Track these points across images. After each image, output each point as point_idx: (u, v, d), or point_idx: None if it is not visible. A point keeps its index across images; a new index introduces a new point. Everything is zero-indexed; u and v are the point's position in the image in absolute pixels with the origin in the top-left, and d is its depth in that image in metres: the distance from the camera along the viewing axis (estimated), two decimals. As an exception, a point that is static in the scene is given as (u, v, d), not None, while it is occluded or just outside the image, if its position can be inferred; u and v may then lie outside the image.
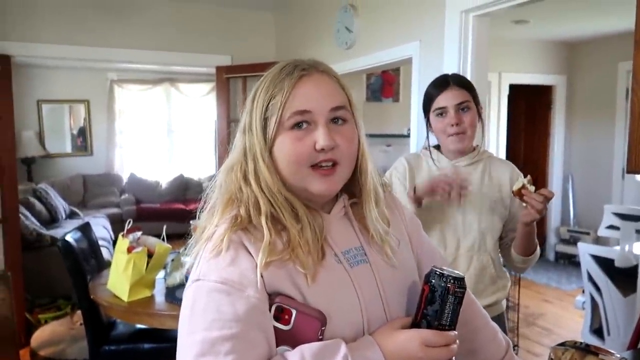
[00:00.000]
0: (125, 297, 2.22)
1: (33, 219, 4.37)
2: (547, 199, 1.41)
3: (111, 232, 5.32)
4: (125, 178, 7.02)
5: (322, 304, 0.75)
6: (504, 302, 1.75)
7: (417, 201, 1.54)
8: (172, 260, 2.32)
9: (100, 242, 4.21)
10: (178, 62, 4.45)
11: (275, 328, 0.74)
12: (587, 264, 2.70)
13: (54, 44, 3.77)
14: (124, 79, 7.01)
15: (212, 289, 0.73)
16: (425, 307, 0.76)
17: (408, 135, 4.10)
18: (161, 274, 2.40)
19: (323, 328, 0.74)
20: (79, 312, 3.00)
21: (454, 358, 0.76)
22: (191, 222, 0.91)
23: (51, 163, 6.69)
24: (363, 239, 0.86)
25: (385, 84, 4.90)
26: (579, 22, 4.53)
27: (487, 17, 2.32)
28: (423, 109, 1.66)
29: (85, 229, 2.85)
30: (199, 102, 7.30)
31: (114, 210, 6.35)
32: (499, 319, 1.68)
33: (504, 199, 1.61)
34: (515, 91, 5.41)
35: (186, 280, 0.80)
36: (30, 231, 3.98)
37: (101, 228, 5.12)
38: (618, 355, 1.10)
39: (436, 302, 0.75)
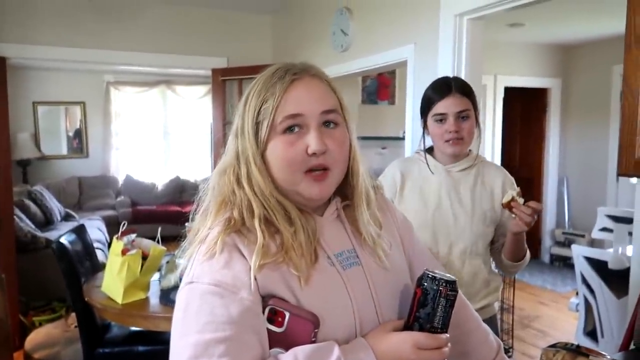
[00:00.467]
0: (119, 300, 2.21)
1: (28, 221, 4.36)
2: (536, 211, 1.42)
3: (107, 234, 5.31)
4: (121, 180, 7.01)
5: (315, 306, 0.76)
6: (496, 305, 1.76)
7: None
8: (167, 262, 2.32)
9: (96, 245, 4.20)
10: (174, 64, 4.45)
11: (268, 330, 0.74)
12: (581, 266, 2.71)
13: (50, 45, 3.77)
14: (120, 81, 7.01)
15: (205, 292, 0.73)
16: (417, 310, 0.77)
17: (403, 138, 4.11)
18: (156, 276, 2.40)
19: (316, 330, 0.74)
20: (73, 314, 2.99)
21: None
22: (186, 224, 0.91)
23: (46, 165, 6.67)
24: (355, 242, 0.87)
25: (381, 86, 4.91)
26: (573, 25, 4.56)
27: (481, 21, 2.33)
28: (421, 111, 1.64)
29: (80, 231, 2.85)
30: (195, 104, 7.30)
31: (110, 212, 6.34)
32: (491, 321, 1.68)
33: (495, 204, 1.62)
34: (511, 94, 5.43)
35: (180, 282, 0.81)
36: (25, 233, 3.97)
37: (96, 230, 5.11)
38: (609, 357, 1.11)
39: (428, 305, 0.76)
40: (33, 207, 4.89)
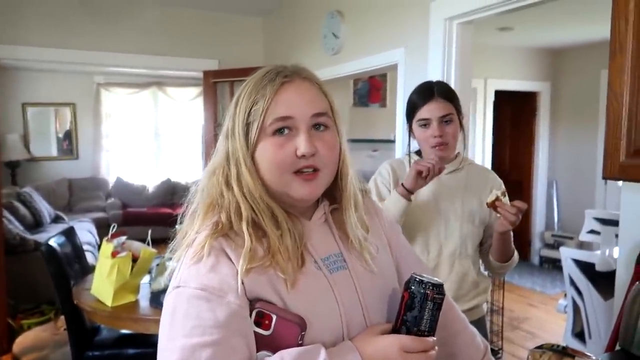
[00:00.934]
0: (109, 302, 2.20)
1: (17, 223, 4.32)
2: (520, 210, 1.44)
3: (97, 237, 5.27)
4: (111, 182, 6.97)
5: (302, 309, 0.76)
6: (485, 306, 1.77)
7: (408, 194, 1.53)
8: (157, 265, 2.31)
9: (86, 247, 4.17)
10: (165, 66, 4.44)
11: (255, 333, 0.75)
12: (569, 268, 2.73)
13: (40, 46, 3.75)
14: (111, 82, 6.97)
15: (192, 296, 0.73)
16: (404, 313, 0.78)
17: (394, 141, 4.13)
18: (146, 278, 2.39)
19: (303, 333, 0.74)
20: (62, 317, 2.97)
21: None
22: (176, 227, 0.91)
23: (36, 167, 6.62)
24: (342, 246, 0.87)
25: (372, 89, 4.93)
26: (562, 30, 4.61)
27: (470, 25, 2.35)
28: (406, 116, 1.66)
29: (70, 233, 2.83)
30: (187, 106, 7.28)
31: (100, 214, 6.29)
32: (479, 322, 1.70)
33: (483, 205, 1.64)
34: (501, 97, 5.48)
35: None
36: (14, 235, 3.93)
37: (86, 232, 5.07)
38: (594, 358, 1.13)
39: (415, 308, 0.77)
40: (22, 209, 4.84)
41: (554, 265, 5.52)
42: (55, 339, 3.08)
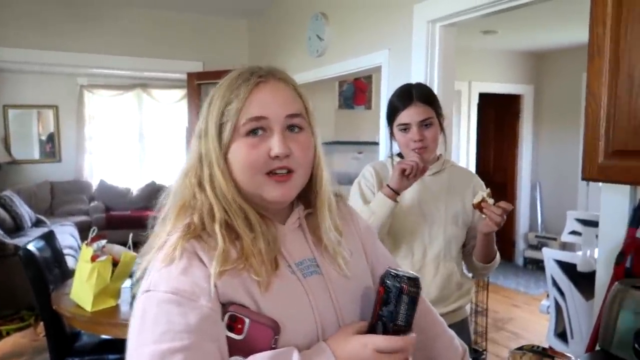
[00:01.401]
0: (88, 307, 2.16)
1: (-4, 227, 4.24)
2: (505, 211, 1.45)
3: (79, 241, 5.19)
4: (94, 185, 6.88)
5: (275, 313, 0.75)
6: (468, 307, 1.78)
7: (394, 195, 1.53)
8: (139, 268, 2.28)
9: (68, 251, 4.11)
10: (149, 68, 4.40)
11: (228, 338, 0.73)
12: (552, 269, 2.76)
13: (22, 48, 3.69)
14: (94, 84, 6.89)
15: (162, 300, 0.71)
16: (380, 309, 0.77)
17: (379, 143, 4.13)
18: (127, 282, 2.35)
19: (276, 337, 0.73)
20: (42, 323, 2.92)
21: None
22: (149, 230, 0.89)
23: (17, 170, 6.51)
24: (316, 251, 0.87)
25: (357, 91, 4.93)
26: (545, 33, 4.66)
27: (453, 27, 2.37)
28: (387, 119, 1.66)
29: (49, 237, 2.78)
30: (171, 108, 7.23)
31: (83, 217, 6.20)
32: (463, 324, 1.71)
33: (466, 207, 1.64)
34: (485, 100, 5.52)
35: None
36: (-7, 240, 3.86)
37: (69, 236, 5.00)
38: (572, 358, 1.13)
39: (391, 303, 0.76)
40: (2, 213, 4.75)
41: (538, 266, 5.57)
42: (34, 345, 3.02)
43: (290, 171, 0.81)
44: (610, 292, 1.41)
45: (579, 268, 2.57)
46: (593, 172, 1.25)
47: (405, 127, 1.58)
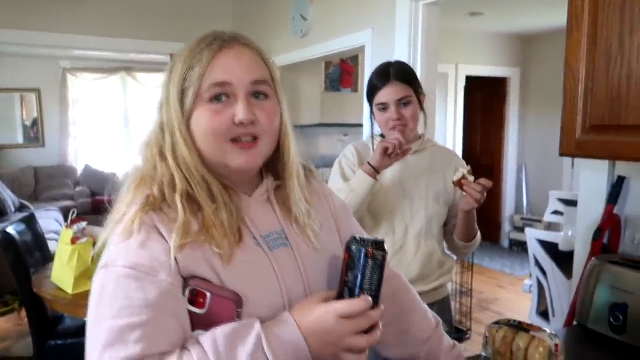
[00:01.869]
0: (69, 290, 2.14)
1: (-22, 212, 4.18)
2: (486, 188, 1.45)
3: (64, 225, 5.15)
4: (79, 170, 6.81)
5: (239, 286, 0.73)
6: (450, 286, 1.79)
7: (374, 173, 1.52)
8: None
9: (52, 236, 4.07)
10: (131, 49, 4.32)
11: (190, 313, 0.72)
12: (534, 249, 2.78)
13: (1, 28, 3.60)
14: (77, 67, 6.77)
15: (120, 275, 0.70)
16: (346, 275, 0.75)
17: (365, 125, 4.10)
18: (109, 265, 2.33)
19: (239, 310, 0.72)
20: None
21: (381, 330, 0.74)
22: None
23: (0, 155, 6.41)
24: (284, 224, 0.85)
25: (344, 74, 4.90)
26: (532, 16, 4.65)
27: (436, 7, 2.34)
28: (367, 98, 1.65)
29: (30, 221, 2.75)
30: (157, 92, 7.09)
31: (68, 202, 6.13)
32: (444, 302, 1.72)
33: (447, 186, 1.64)
34: (472, 83, 5.52)
35: None
36: (-26, 225, 3.80)
37: (53, 221, 4.95)
38: (548, 331, 1.14)
39: (355, 268, 0.73)
40: (-16, 198, 4.69)
41: (523, 247, 5.62)
42: (18, 330, 3.00)
43: (255, 138, 0.79)
44: (587, 268, 1.42)
45: (561, 247, 2.60)
46: (571, 148, 1.25)
47: (384, 107, 1.58)
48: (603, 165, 1.61)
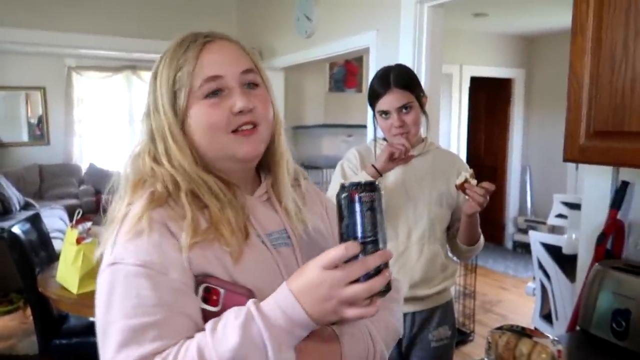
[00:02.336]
0: (74, 290, 2.16)
1: (-17, 211, 4.21)
2: (488, 192, 1.45)
3: (69, 224, 5.17)
4: (84, 168, 6.83)
5: (248, 282, 0.74)
6: (453, 289, 1.79)
7: (377, 175, 1.53)
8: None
9: (57, 234, 4.09)
10: (138, 48, 4.33)
11: (204, 310, 0.72)
12: (538, 252, 2.78)
13: (7, 27, 3.61)
14: (82, 66, 6.79)
15: (131, 273, 0.69)
16: (340, 227, 0.69)
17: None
18: (113, 265, 2.34)
19: None
20: (30, 305, 2.91)
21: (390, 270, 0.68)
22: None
23: (5, 153, 6.44)
24: (287, 222, 0.86)
25: (348, 74, 4.90)
26: (536, 17, 4.63)
27: (441, 8, 2.34)
28: (369, 104, 1.65)
29: (35, 220, 2.76)
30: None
31: (73, 201, 6.15)
32: (447, 306, 1.72)
33: (451, 189, 1.65)
34: (476, 84, 5.50)
35: None
36: (-20, 223, 3.83)
37: (58, 220, 4.97)
38: (551, 337, 1.14)
39: (345, 216, 0.68)
40: (-11, 196, 4.72)
41: (527, 249, 5.59)
42: (23, 328, 3.02)
43: (255, 126, 0.80)
44: (590, 273, 1.42)
45: (564, 250, 2.60)
46: (574, 153, 1.25)
47: (386, 114, 1.58)
48: (607, 170, 1.61)
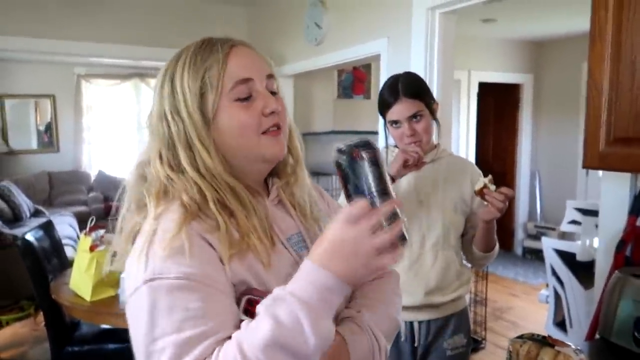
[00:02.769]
0: (88, 297, 2.16)
1: (-6, 218, 4.23)
2: (507, 197, 1.45)
3: (78, 231, 5.19)
4: (93, 175, 6.87)
5: None
6: (467, 297, 1.77)
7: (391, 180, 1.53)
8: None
9: (67, 241, 4.11)
10: (147, 56, 4.35)
11: (242, 322, 0.70)
12: (551, 258, 2.76)
13: (17, 36, 3.65)
14: (91, 74, 6.84)
15: (174, 287, 0.66)
16: (347, 190, 0.69)
17: (378, 133, 4.08)
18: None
19: None
20: (42, 313, 2.91)
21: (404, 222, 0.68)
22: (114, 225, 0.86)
23: (15, 160, 6.49)
24: (301, 225, 0.87)
25: (356, 81, 4.91)
26: (544, 22, 4.63)
27: (453, 15, 2.34)
28: (379, 112, 1.65)
29: (48, 227, 2.78)
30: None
31: (82, 208, 6.19)
32: (462, 313, 1.70)
33: (464, 195, 1.64)
34: (485, 89, 5.49)
35: None
36: (-8, 230, 3.85)
37: (67, 227, 5.00)
38: (573, 347, 1.13)
39: (350, 177, 0.69)
40: (0, 203, 4.74)
41: (537, 255, 5.58)
42: (34, 335, 3.03)
43: (279, 127, 0.82)
44: (610, 281, 1.41)
45: (579, 257, 2.58)
46: (594, 160, 1.24)
47: (397, 123, 1.58)
48: (625, 176, 1.60)
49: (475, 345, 3.38)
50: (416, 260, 1.60)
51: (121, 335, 2.41)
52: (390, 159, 1.67)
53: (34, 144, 6.73)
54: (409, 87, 1.57)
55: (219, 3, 4.26)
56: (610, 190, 1.67)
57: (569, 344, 1.16)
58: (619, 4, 1.16)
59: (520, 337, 1.20)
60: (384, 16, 2.67)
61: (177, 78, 0.79)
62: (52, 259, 2.62)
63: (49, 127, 6.79)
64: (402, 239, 0.67)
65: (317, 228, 0.88)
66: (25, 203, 5.28)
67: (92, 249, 2.16)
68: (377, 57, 2.75)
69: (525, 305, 4.30)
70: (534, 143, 5.80)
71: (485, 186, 1.44)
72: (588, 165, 1.26)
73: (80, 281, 2.21)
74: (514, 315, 4.05)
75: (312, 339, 0.61)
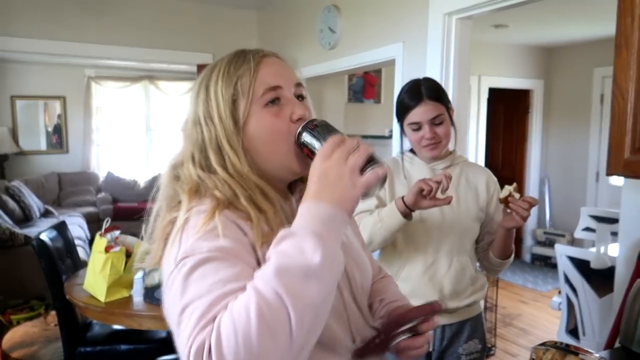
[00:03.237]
0: (102, 298, 2.17)
1: (6, 217, 4.26)
2: (532, 205, 1.43)
3: (87, 232, 5.22)
4: (102, 176, 6.89)
5: None
6: (482, 303, 1.77)
7: (406, 211, 1.46)
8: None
9: (76, 242, 4.11)
10: (157, 59, 4.38)
11: None
12: (564, 266, 2.74)
13: (29, 38, 3.68)
14: (101, 76, 6.89)
15: (206, 259, 0.67)
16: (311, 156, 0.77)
17: (389, 137, 4.10)
18: (140, 273, 2.35)
19: None
20: (53, 312, 2.93)
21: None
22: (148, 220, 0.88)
23: (25, 161, 6.53)
24: None
25: (366, 85, 4.91)
26: (556, 28, 4.62)
27: (469, 20, 2.34)
28: (397, 117, 1.63)
29: (61, 228, 2.79)
30: (179, 100, 7.22)
31: (90, 209, 6.22)
32: (477, 319, 1.70)
33: (480, 202, 1.63)
34: (495, 95, 5.48)
35: None
36: (3, 230, 3.87)
37: (77, 227, 5.01)
38: (597, 355, 1.13)
39: (316, 140, 0.77)
40: (11, 203, 4.77)
41: (546, 262, 5.55)
42: (45, 335, 3.03)
43: None
44: (632, 289, 1.40)
45: (593, 265, 2.56)
46: (618, 167, 1.24)
47: (417, 126, 1.57)
48: (645, 183, 1.59)
49: (486, 351, 3.37)
50: (431, 265, 1.60)
51: (133, 337, 2.42)
52: (407, 165, 1.67)
53: (43, 145, 6.77)
54: (432, 90, 1.57)
55: (230, 6, 4.28)
56: (631, 198, 1.66)
57: (592, 351, 1.15)
58: (647, 11, 1.16)
59: (543, 344, 1.20)
60: (399, 21, 2.67)
61: (212, 86, 0.83)
62: (65, 260, 2.63)
63: (58, 128, 6.83)
64: (375, 158, 0.73)
65: None
66: (35, 203, 5.31)
67: (107, 250, 2.17)
68: (391, 62, 2.75)
69: (534, 312, 4.27)
70: (543, 149, 5.78)
71: (510, 194, 1.44)
72: (612, 172, 1.25)
73: (95, 282, 2.21)
74: (523, 322, 4.03)
75: (318, 253, 0.62)
